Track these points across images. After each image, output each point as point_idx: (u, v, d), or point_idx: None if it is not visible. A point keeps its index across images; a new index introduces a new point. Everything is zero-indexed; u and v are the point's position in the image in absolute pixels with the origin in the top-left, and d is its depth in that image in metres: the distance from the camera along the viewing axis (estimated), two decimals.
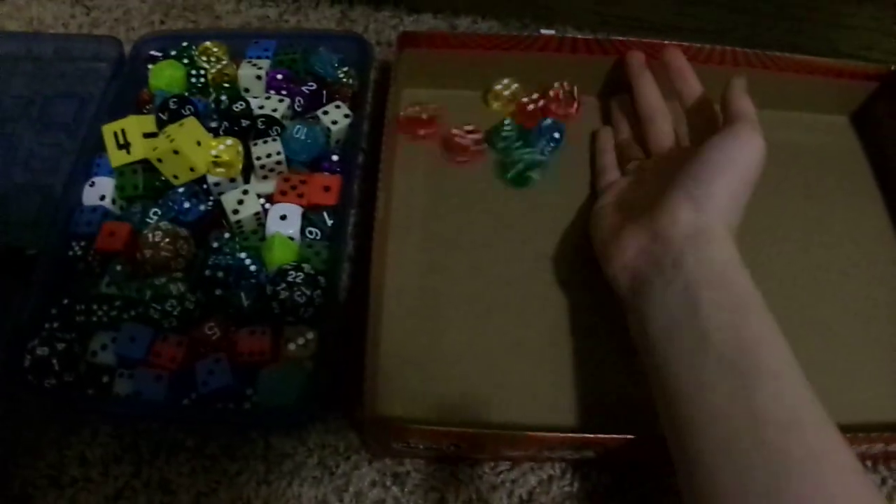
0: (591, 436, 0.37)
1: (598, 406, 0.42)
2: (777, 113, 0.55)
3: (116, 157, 0.47)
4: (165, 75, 0.52)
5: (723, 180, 0.39)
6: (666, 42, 0.50)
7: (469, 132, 0.52)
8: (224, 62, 0.53)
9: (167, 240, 0.43)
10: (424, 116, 0.52)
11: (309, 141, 0.47)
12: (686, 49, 0.51)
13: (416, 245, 0.48)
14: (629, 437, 0.37)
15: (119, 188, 0.47)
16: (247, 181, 0.48)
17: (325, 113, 0.49)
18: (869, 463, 0.42)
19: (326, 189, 0.46)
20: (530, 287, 0.47)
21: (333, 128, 0.49)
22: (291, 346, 0.41)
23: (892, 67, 0.52)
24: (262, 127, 0.48)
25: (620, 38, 0.52)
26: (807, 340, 0.44)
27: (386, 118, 0.47)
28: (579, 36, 0.53)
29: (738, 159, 0.39)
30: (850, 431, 0.34)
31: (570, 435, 0.38)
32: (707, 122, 0.45)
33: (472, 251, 0.48)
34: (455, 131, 0.51)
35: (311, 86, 0.51)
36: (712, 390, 0.33)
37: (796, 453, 0.31)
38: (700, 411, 0.33)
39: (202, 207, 0.46)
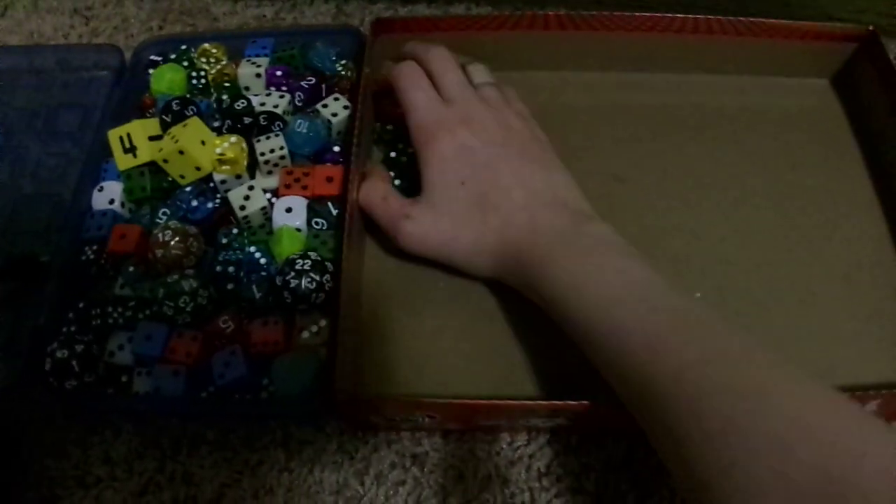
0: (560, 402, 0.38)
1: (572, 375, 0.42)
2: (757, 78, 0.56)
3: (123, 161, 0.48)
4: (166, 79, 0.52)
5: None
6: (649, 14, 0.51)
7: None
8: (223, 62, 0.54)
9: (177, 238, 0.44)
10: None
11: (311, 134, 0.48)
12: (660, 20, 0.51)
13: None
14: (587, 403, 0.37)
15: (127, 191, 0.48)
16: (252, 177, 0.48)
17: (325, 106, 0.50)
18: None
19: (329, 180, 0.47)
20: None
21: (334, 120, 0.49)
22: (305, 335, 0.41)
23: (870, 27, 0.52)
24: (265, 123, 0.48)
25: (595, 13, 0.52)
26: (790, 303, 0.45)
27: (359, 104, 0.47)
28: (552, 13, 0.52)
29: None
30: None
31: (540, 402, 0.38)
32: None
33: None
34: None
35: (311, 80, 0.52)
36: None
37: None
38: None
39: (210, 205, 0.47)
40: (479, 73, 0.48)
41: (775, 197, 0.50)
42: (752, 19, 0.51)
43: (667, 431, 0.33)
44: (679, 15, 0.51)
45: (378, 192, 0.46)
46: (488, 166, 0.43)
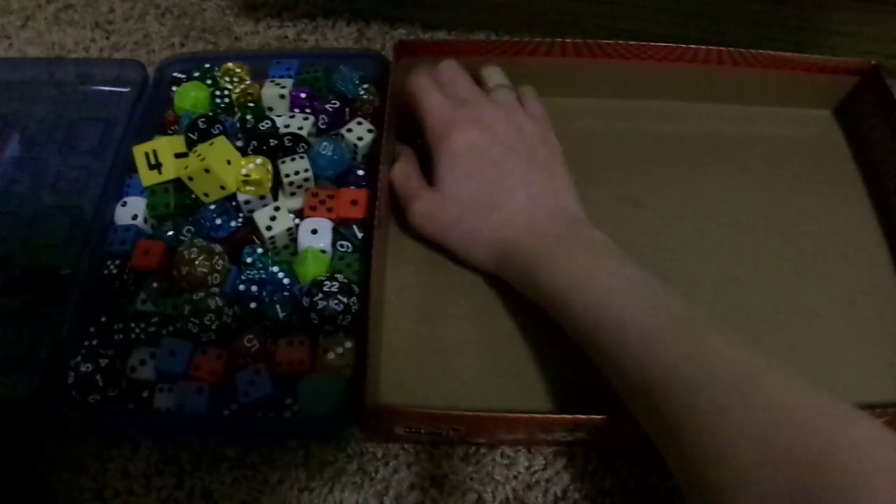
0: (583, 417, 0.38)
1: (593, 390, 0.42)
2: (762, 108, 0.58)
3: (148, 177, 0.48)
4: (190, 96, 0.53)
5: None
6: (663, 45, 0.53)
7: None
8: (247, 82, 0.54)
9: (203, 256, 0.44)
10: None
11: (335, 157, 0.49)
12: (673, 50, 0.53)
13: (416, 242, 0.49)
14: (607, 417, 0.38)
15: (150, 207, 0.48)
16: (275, 198, 0.49)
17: (350, 130, 0.51)
18: None
19: (354, 203, 0.47)
20: None
21: (360, 144, 0.50)
22: (330, 356, 0.42)
23: (873, 62, 0.54)
24: (289, 144, 0.49)
25: (611, 41, 0.54)
26: (795, 326, 0.47)
27: (385, 123, 0.48)
28: (569, 40, 0.54)
29: None
30: None
31: (561, 416, 0.39)
32: None
33: None
34: None
35: (335, 104, 0.52)
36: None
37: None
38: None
39: (233, 224, 0.47)
40: (494, 75, 0.52)
41: (781, 222, 0.52)
42: (759, 51, 0.53)
43: (662, 423, 0.35)
44: (690, 46, 0.53)
45: (404, 171, 0.49)
46: (497, 165, 0.46)
